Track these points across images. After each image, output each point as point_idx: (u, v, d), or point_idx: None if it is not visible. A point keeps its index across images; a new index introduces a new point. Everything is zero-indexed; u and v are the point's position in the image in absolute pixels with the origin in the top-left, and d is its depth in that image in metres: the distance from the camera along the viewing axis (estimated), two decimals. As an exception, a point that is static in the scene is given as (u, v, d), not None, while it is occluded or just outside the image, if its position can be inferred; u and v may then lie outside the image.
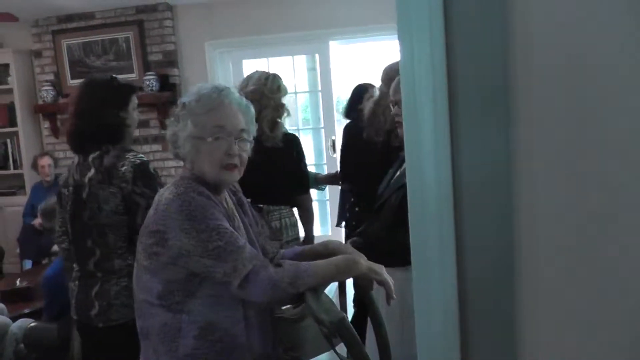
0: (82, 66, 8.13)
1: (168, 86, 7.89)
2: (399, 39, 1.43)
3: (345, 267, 2.47)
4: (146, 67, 7.90)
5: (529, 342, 1.41)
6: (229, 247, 2.34)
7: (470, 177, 1.36)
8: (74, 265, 3.41)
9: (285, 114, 4.26)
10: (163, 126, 7.87)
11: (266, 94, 4.17)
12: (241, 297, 2.38)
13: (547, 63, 1.31)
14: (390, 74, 4.10)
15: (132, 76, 7.86)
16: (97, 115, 3.32)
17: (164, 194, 2.42)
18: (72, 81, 8.14)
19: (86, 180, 3.30)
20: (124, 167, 3.22)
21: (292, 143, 4.30)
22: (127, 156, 3.26)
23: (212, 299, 2.42)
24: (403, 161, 3.07)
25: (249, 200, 3.37)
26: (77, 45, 8.13)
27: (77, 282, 3.37)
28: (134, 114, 3.48)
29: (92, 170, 3.30)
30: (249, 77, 4.29)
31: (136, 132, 7.79)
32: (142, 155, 3.33)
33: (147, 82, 7.68)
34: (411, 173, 1.39)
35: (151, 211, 2.46)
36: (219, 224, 2.36)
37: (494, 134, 1.34)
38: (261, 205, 4.07)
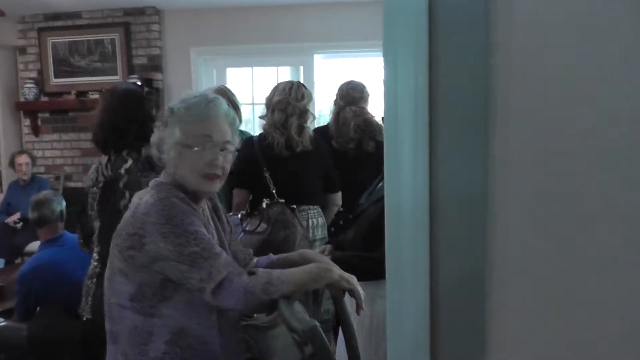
0: (66, 65, 8.12)
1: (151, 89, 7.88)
2: (384, 56, 1.46)
3: (317, 274, 2.48)
4: (130, 70, 7.91)
5: (497, 354, 1.44)
6: (205, 253, 2.35)
7: (447, 194, 1.39)
8: (94, 262, 3.57)
9: (310, 119, 4.45)
10: (145, 129, 7.88)
11: (291, 102, 4.34)
12: (214, 304, 2.39)
13: (525, 87, 1.35)
14: (343, 87, 4.84)
15: (116, 78, 7.87)
16: (131, 112, 3.52)
17: (143, 198, 2.44)
18: (55, 80, 8.14)
19: (123, 171, 3.44)
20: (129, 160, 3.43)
21: (320, 143, 4.49)
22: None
23: (185, 305, 2.42)
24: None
25: (283, 201, 3.78)
26: (63, 44, 8.13)
27: (95, 280, 3.43)
28: None
29: (130, 162, 3.45)
30: (275, 88, 4.46)
31: (117, 135, 7.85)
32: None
33: (131, 85, 7.69)
34: (389, 187, 1.42)
35: (128, 214, 2.47)
36: (197, 230, 2.38)
37: (472, 153, 1.37)
38: (294, 206, 4.20)
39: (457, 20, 1.38)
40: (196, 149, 2.47)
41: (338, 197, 4.58)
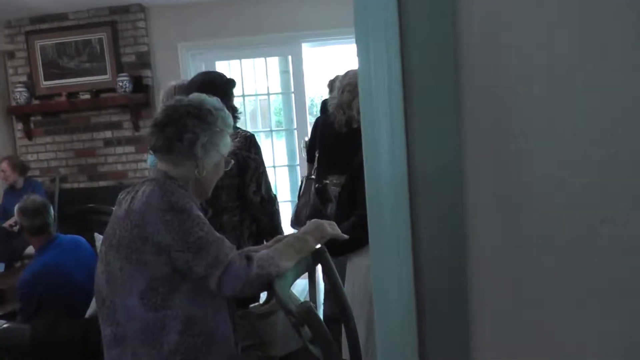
0: (55, 67, 8.11)
1: (141, 87, 7.91)
2: (357, 42, 1.50)
3: (300, 246, 2.63)
4: (119, 68, 7.91)
5: (480, 319, 1.48)
6: (210, 237, 2.41)
7: (424, 170, 1.43)
8: None
9: None
10: (136, 127, 7.90)
11: (357, 85, 4.52)
12: (217, 290, 2.42)
13: (490, 66, 1.39)
14: (352, 74, 4.81)
15: (105, 77, 7.88)
16: None
17: (139, 190, 2.46)
18: (45, 82, 8.13)
19: None
20: (237, 138, 3.75)
21: None
22: (237, 131, 3.85)
23: (192, 293, 2.45)
24: None
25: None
26: (51, 46, 8.12)
27: None
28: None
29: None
30: (346, 73, 4.63)
31: (108, 134, 7.87)
32: (247, 130, 4.06)
33: (120, 84, 7.70)
34: (369, 169, 1.46)
35: (119, 212, 2.49)
36: (199, 214, 2.43)
37: (446, 129, 1.42)
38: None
39: (425, 6, 1.42)
40: (225, 162, 2.68)
41: None
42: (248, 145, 3.88)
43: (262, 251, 2.56)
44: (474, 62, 1.42)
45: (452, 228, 1.44)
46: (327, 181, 4.96)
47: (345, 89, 4.48)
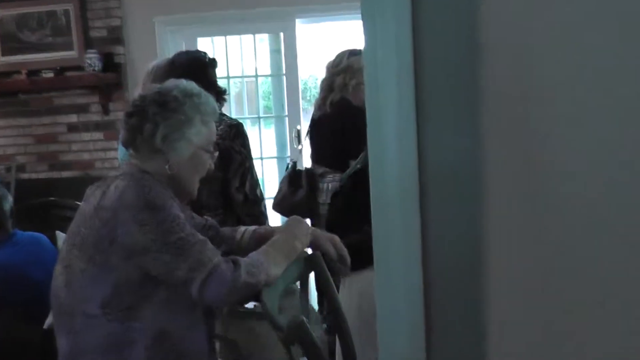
0: (15, 41, 8.04)
1: (112, 66, 7.84)
2: (363, 17, 1.50)
3: (288, 252, 2.67)
4: (88, 44, 7.85)
5: (496, 337, 1.49)
6: (192, 238, 2.41)
7: (436, 170, 1.43)
8: None
9: None
10: (106, 111, 7.86)
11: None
12: (199, 298, 2.43)
13: (518, 46, 1.39)
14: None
15: (71, 54, 7.83)
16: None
17: (111, 185, 2.46)
18: (2, 58, 8.06)
19: None
20: (220, 127, 3.69)
21: None
22: (222, 118, 3.76)
23: (166, 303, 2.46)
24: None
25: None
26: (10, 17, 8.05)
27: None
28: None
29: None
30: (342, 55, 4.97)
31: (74, 118, 7.84)
32: (235, 118, 4.10)
33: (89, 62, 7.63)
34: (373, 167, 1.46)
35: (88, 206, 2.49)
36: (178, 214, 2.43)
37: (462, 123, 1.42)
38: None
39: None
40: (208, 155, 2.69)
41: None
42: (232, 135, 3.88)
43: (250, 255, 2.56)
44: (496, 45, 1.42)
45: (467, 235, 1.44)
46: (318, 171, 5.11)
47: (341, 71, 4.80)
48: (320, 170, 5.19)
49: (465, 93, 1.43)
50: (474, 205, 1.43)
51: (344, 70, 5.20)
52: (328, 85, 5.26)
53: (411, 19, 1.43)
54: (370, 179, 1.49)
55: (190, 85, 2.69)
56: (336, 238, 2.81)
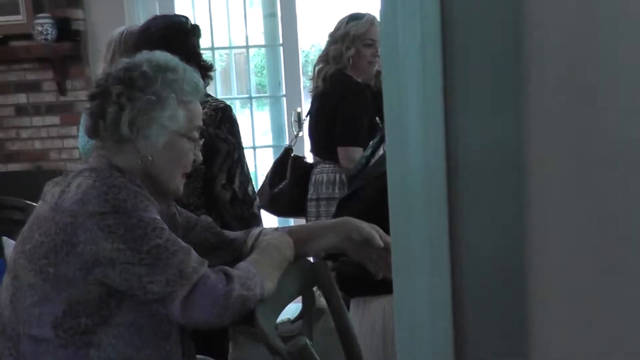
0: (-55, 2, 8.02)
1: (69, 34, 7.78)
2: None
3: (280, 263, 2.72)
4: (37, 6, 7.79)
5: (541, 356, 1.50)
6: (171, 245, 2.42)
7: (468, 160, 1.44)
8: None
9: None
10: (62, 90, 7.82)
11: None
12: (184, 317, 2.45)
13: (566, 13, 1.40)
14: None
15: (18, 19, 7.80)
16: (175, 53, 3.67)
17: (72, 183, 2.47)
18: None
19: None
20: (204, 110, 3.53)
21: None
22: (206, 99, 3.78)
23: (132, 328, 2.47)
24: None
25: None
26: None
27: None
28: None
29: None
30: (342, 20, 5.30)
31: (22, 98, 7.84)
32: (223, 100, 4.09)
33: (39, 29, 7.56)
34: (392, 155, 1.48)
35: (44, 207, 2.50)
36: (155, 218, 2.44)
37: (500, 99, 1.43)
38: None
39: None
40: (192, 143, 2.69)
41: None
42: (218, 120, 3.87)
43: (237, 265, 2.58)
44: (542, 10, 1.44)
45: (504, 240, 1.45)
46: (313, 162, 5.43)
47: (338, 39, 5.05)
48: (315, 159, 5.30)
49: (504, 68, 1.45)
50: (512, 205, 1.45)
51: (341, 39, 5.33)
52: (322, 57, 5.56)
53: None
54: (387, 174, 1.50)
55: (165, 57, 2.69)
56: (374, 225, 2.81)
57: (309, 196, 5.60)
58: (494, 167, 1.46)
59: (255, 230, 2.97)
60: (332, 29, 5.54)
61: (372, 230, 2.75)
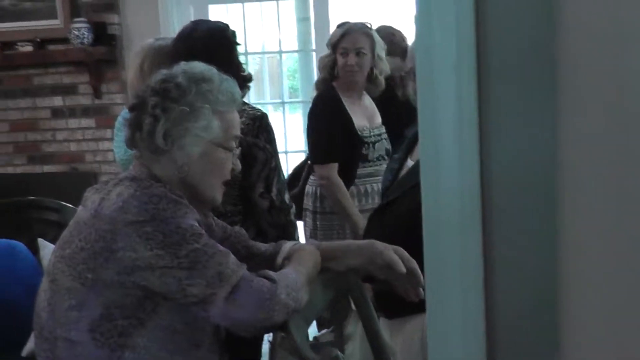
0: (-17, 6, 8.05)
1: (105, 38, 7.82)
2: None
3: (313, 274, 2.73)
4: (75, 11, 7.83)
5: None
6: (209, 249, 2.44)
7: (503, 176, 1.43)
8: None
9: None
10: (97, 93, 7.86)
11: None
12: (226, 318, 2.46)
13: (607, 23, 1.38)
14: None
15: (55, 23, 7.83)
16: (217, 61, 3.63)
17: (112, 192, 2.49)
18: (-33, 27, 8.09)
19: None
20: (242, 119, 3.52)
21: None
22: (243, 108, 3.75)
23: (167, 332, 2.48)
24: (411, 142, 3.25)
25: None
26: None
27: None
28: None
29: None
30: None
31: (58, 101, 7.86)
32: (259, 108, 4.06)
33: (76, 33, 7.62)
34: (426, 171, 1.47)
35: (84, 214, 2.52)
36: (193, 224, 2.45)
37: (539, 114, 1.40)
38: None
39: None
40: (229, 152, 2.70)
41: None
42: (256, 129, 3.86)
43: (282, 272, 2.60)
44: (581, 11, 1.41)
45: (544, 262, 1.43)
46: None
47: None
48: None
49: (542, 77, 1.42)
50: (546, 226, 1.43)
51: (331, 45, 5.39)
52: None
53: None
54: (422, 195, 1.49)
55: (202, 68, 2.70)
56: (400, 249, 2.81)
57: (303, 206, 5.64)
58: (528, 188, 1.44)
59: (285, 246, 2.95)
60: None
61: (394, 256, 2.76)
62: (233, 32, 4.12)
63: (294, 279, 2.56)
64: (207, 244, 2.46)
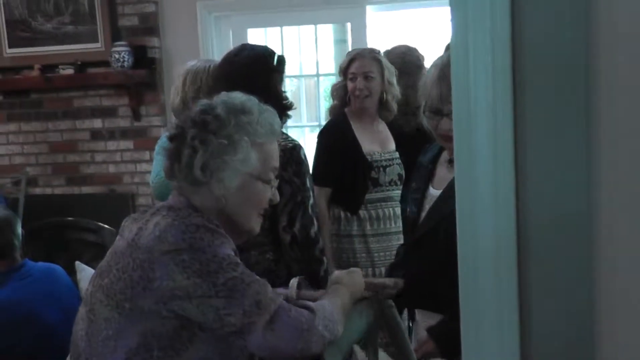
0: (26, 30, 8.09)
1: (145, 61, 7.89)
2: (451, 3, 1.52)
3: (349, 307, 2.76)
4: (115, 34, 7.90)
5: None
6: (247, 278, 2.45)
7: (540, 219, 1.41)
8: None
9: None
10: (136, 116, 7.90)
11: None
12: (264, 347, 2.47)
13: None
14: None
15: (96, 46, 7.89)
16: (257, 88, 3.54)
17: (150, 221, 2.50)
18: (10, 50, 8.14)
19: None
20: None
21: None
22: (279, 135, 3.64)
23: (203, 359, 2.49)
24: (429, 170, 3.26)
25: None
26: (19, 0, 8.12)
27: None
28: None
29: None
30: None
31: (97, 123, 7.90)
32: (293, 139, 3.97)
33: (117, 56, 7.68)
34: (462, 217, 1.46)
35: (122, 243, 2.53)
36: (230, 254, 2.46)
37: (574, 158, 1.39)
38: None
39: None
40: (267, 184, 2.72)
41: None
42: (285, 162, 3.74)
43: (320, 303, 2.61)
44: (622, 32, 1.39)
45: (577, 305, 1.42)
46: None
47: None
48: None
49: (577, 121, 1.42)
50: (587, 269, 1.41)
51: (341, 71, 5.40)
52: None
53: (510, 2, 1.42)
54: (458, 236, 1.49)
55: (241, 99, 2.70)
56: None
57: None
58: (564, 232, 1.43)
59: (293, 282, 2.95)
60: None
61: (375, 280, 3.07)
62: (280, 59, 4.08)
63: (330, 311, 2.57)
64: (244, 273, 2.47)
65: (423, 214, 3.32)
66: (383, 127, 5.63)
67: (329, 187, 5.31)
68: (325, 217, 5.27)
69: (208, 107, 2.66)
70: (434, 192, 3.30)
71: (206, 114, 2.62)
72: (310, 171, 5.02)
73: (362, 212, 5.35)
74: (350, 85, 5.51)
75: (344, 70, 5.60)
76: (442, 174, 3.22)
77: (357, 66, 5.49)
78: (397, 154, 5.52)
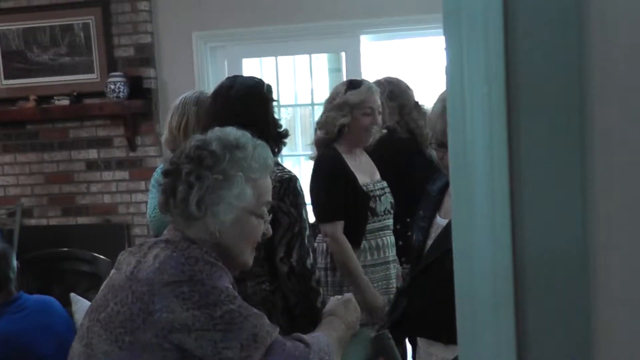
0: (21, 61, 8.14)
1: (141, 92, 7.92)
2: (445, 34, 1.52)
3: (345, 341, 2.78)
4: (111, 65, 7.93)
5: None
6: (244, 311, 2.45)
7: (538, 256, 1.41)
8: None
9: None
10: (132, 146, 7.91)
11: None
12: None
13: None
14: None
15: (91, 77, 7.92)
16: (252, 119, 3.66)
17: (149, 254, 2.51)
18: (6, 81, 8.19)
19: None
20: None
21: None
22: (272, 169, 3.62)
23: None
24: (437, 199, 3.28)
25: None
26: (16, 32, 8.13)
27: None
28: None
29: None
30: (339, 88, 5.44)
31: (93, 153, 7.90)
32: (289, 170, 4.03)
33: (112, 86, 7.71)
34: (459, 254, 1.46)
35: (119, 277, 2.53)
36: (228, 287, 2.47)
37: (570, 193, 1.39)
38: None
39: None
40: (261, 219, 2.73)
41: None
42: (282, 193, 3.83)
43: (315, 335, 2.62)
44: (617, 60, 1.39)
45: (575, 342, 1.42)
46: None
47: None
48: None
49: (571, 159, 1.42)
50: (585, 306, 1.41)
51: (339, 107, 5.27)
52: (318, 123, 5.55)
53: (504, 36, 1.42)
54: (455, 273, 1.49)
55: (236, 134, 2.71)
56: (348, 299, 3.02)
57: None
58: (561, 270, 1.42)
59: None
60: (329, 96, 5.55)
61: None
62: (269, 88, 4.12)
63: (326, 343, 2.57)
64: (241, 306, 2.47)
65: (429, 242, 3.35)
66: (366, 158, 5.60)
67: (341, 220, 5.27)
68: (350, 249, 5.23)
69: (203, 142, 2.66)
70: (441, 221, 3.33)
71: (201, 149, 2.63)
72: (315, 205, 5.08)
73: (363, 243, 5.33)
74: (365, 119, 5.35)
75: (356, 104, 5.37)
76: (449, 203, 3.24)
77: (373, 101, 5.39)
78: (385, 183, 5.49)
